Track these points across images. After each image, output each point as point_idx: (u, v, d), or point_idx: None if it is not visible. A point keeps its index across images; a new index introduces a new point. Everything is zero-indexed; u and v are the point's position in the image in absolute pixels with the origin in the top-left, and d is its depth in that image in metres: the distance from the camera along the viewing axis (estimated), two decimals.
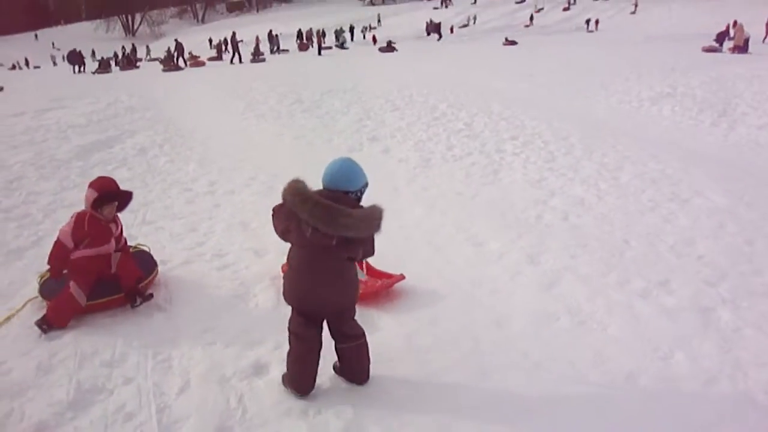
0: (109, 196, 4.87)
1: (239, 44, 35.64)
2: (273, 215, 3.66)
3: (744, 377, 3.97)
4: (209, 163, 9.73)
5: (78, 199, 7.59)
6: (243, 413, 3.70)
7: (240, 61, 33.55)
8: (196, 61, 34.86)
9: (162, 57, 37.41)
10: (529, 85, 16.61)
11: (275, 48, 43.08)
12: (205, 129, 12.60)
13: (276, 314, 4.71)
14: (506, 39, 38.10)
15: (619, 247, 5.91)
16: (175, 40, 37.32)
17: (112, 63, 38.31)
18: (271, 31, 46.49)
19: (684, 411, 3.67)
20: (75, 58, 36.87)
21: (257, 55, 34.88)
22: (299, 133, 11.87)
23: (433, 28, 49.27)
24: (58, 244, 4.77)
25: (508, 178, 8.23)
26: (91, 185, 4.85)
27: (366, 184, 3.59)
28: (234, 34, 37.10)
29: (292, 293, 3.69)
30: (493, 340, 4.40)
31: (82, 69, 36.07)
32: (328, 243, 3.40)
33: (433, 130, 11.30)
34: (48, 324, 4.57)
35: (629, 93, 14.24)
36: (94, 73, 33.38)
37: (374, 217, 3.41)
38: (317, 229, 3.35)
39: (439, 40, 45.81)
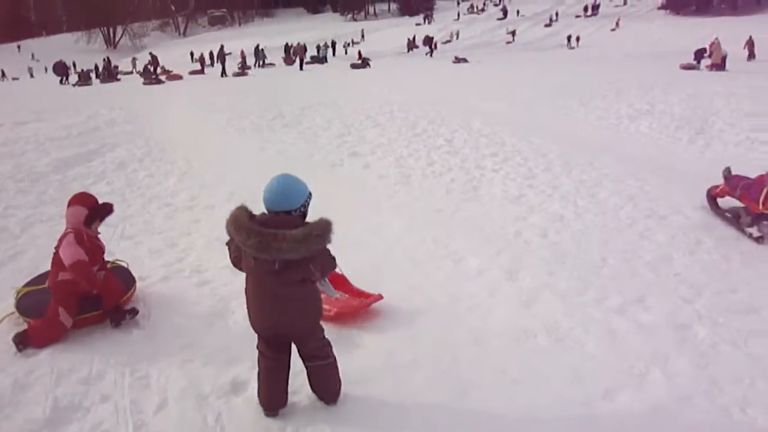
0: (100, 212, 4.85)
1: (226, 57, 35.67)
2: (227, 244, 3.60)
3: (720, 393, 4.02)
4: (190, 177, 9.71)
5: (56, 213, 7.56)
6: (221, 431, 3.68)
7: (224, 74, 33.52)
8: (170, 76, 34.65)
9: (141, 70, 37.36)
10: (509, 102, 16.73)
11: (261, 62, 43.19)
12: (186, 143, 12.57)
13: (253, 333, 4.68)
14: (456, 57, 38.42)
15: (597, 264, 5.96)
16: (150, 53, 37.28)
17: (93, 75, 38.18)
18: (258, 45, 46.56)
19: (660, 427, 3.71)
20: (60, 70, 37.06)
21: (244, 69, 34.87)
22: (281, 148, 11.87)
23: (426, 41, 49.88)
24: (84, 264, 4.61)
25: (488, 195, 8.28)
26: (77, 202, 4.81)
27: (308, 197, 3.49)
28: (222, 47, 37.12)
29: (249, 318, 3.66)
30: (471, 357, 4.42)
31: (66, 80, 36.02)
32: (271, 268, 3.36)
33: (414, 146, 11.35)
34: (25, 343, 4.52)
35: (608, 110, 14.38)
36: (74, 85, 33.25)
37: (315, 233, 3.31)
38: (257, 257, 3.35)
39: (430, 55, 46.23)
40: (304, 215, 3.49)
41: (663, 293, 5.35)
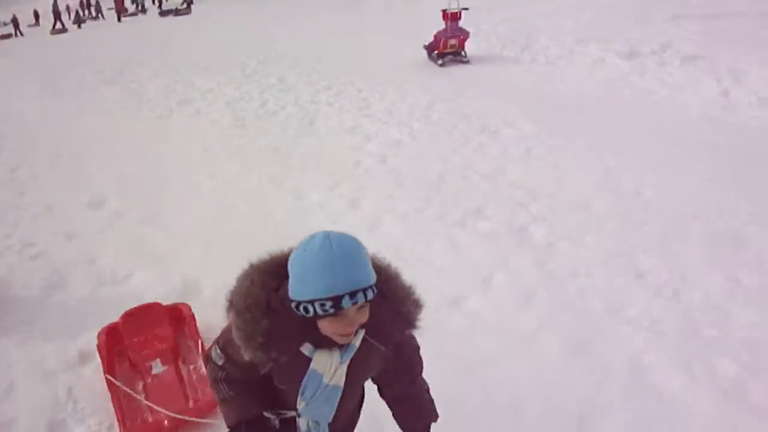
0: None
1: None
2: (219, 366, 2.03)
3: (560, 287, 4.18)
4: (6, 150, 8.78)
5: None
6: (74, 404, 3.43)
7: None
8: None
9: None
10: (339, 37, 16.50)
11: (89, 15, 39.50)
12: None
13: (95, 299, 4.41)
14: None
15: (435, 183, 6.00)
16: None
17: None
18: None
19: (508, 323, 3.81)
20: None
21: (63, 25, 31.97)
22: (103, 106, 11.00)
23: None
24: None
25: (325, 128, 8.12)
26: None
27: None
28: (56, 1, 33.69)
29: None
30: None
31: None
32: None
33: (246, 87, 10.92)
34: None
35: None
36: None
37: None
38: None
39: None
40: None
41: (499, 202, 5.48)
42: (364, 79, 10.66)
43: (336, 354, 1.83)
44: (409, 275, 4.22)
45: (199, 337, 3.74)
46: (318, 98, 9.64)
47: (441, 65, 10.70)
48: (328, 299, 1.62)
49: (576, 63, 10.66)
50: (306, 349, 1.82)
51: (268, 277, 1.82)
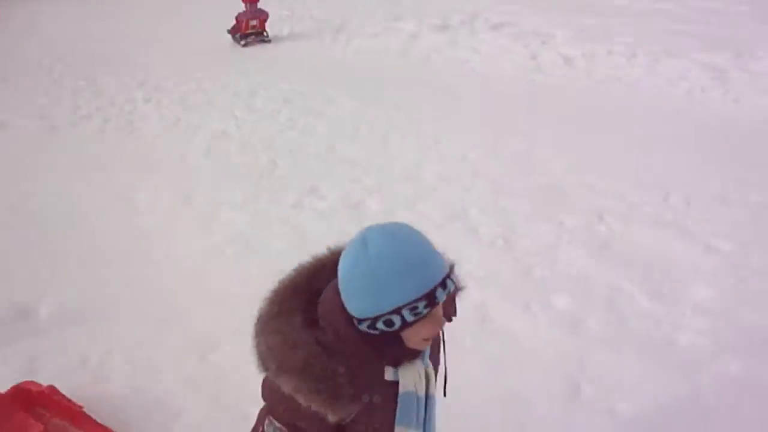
0: None
1: None
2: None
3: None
4: None
5: None
6: None
7: None
8: None
9: None
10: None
11: None
12: None
13: None
14: None
15: (267, 168, 5.93)
16: None
17: None
18: None
19: None
20: None
21: None
22: None
23: None
24: None
25: (145, 127, 7.75)
26: None
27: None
28: None
29: None
30: (159, 290, 4.13)
31: None
32: None
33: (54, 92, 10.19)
34: None
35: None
36: None
37: None
38: None
39: None
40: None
41: (333, 179, 5.51)
42: (178, 70, 10.28)
43: (417, 362, 1.54)
44: (255, 262, 4.19)
45: (80, 406, 2.97)
46: (133, 96, 9.18)
47: (244, 45, 11.04)
48: (420, 299, 1.34)
49: (392, 39, 10.87)
50: (389, 373, 1.49)
51: (299, 317, 1.47)
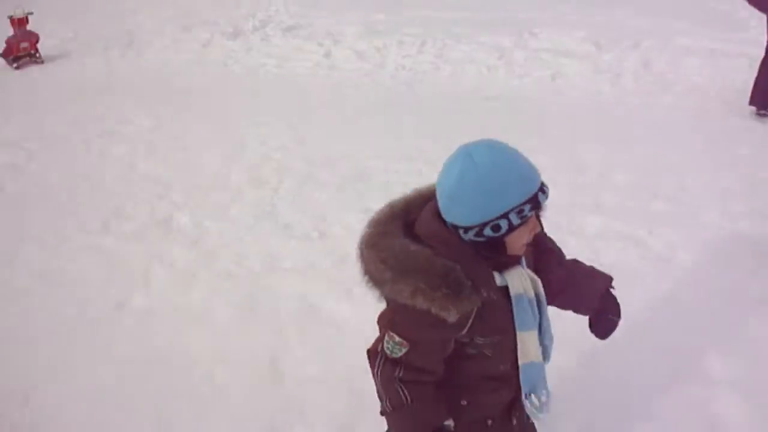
0: None
1: None
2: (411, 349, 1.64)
3: (216, 260, 4.32)
4: None
5: None
6: None
7: None
8: None
9: None
10: None
11: None
12: None
13: None
14: None
15: (67, 193, 5.56)
16: None
17: None
18: None
19: (178, 305, 3.91)
20: None
21: None
22: None
23: None
24: None
25: None
26: None
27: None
28: None
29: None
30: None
31: None
32: None
33: None
34: None
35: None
36: None
37: None
38: None
39: None
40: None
41: (138, 198, 5.33)
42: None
43: (518, 267, 1.63)
44: (62, 293, 3.99)
45: None
46: None
47: (16, 68, 10.61)
48: (526, 202, 1.46)
49: (184, 50, 10.60)
50: (497, 279, 1.59)
51: (404, 236, 1.58)
